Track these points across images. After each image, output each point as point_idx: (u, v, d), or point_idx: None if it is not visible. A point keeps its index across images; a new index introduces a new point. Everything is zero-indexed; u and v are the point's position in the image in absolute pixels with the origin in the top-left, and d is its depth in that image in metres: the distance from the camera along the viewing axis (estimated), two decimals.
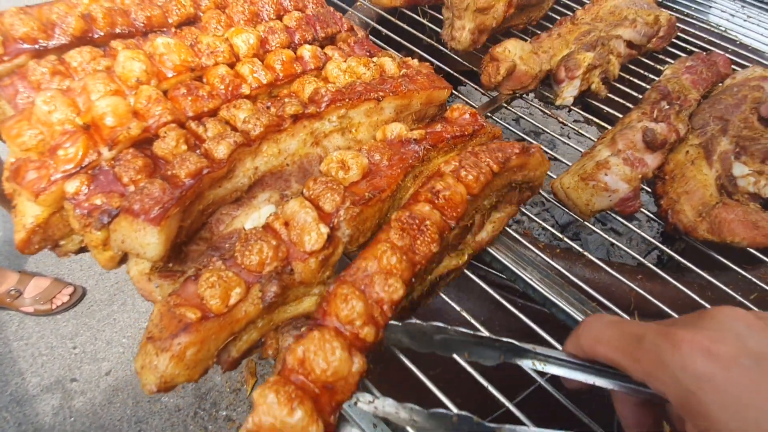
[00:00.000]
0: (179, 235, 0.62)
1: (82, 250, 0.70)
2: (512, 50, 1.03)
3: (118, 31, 0.84)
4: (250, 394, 2.14)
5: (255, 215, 0.68)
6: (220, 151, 0.64)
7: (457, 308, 0.78)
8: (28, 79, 0.73)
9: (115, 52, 0.80)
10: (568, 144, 1.08)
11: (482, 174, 0.72)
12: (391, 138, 0.78)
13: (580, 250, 0.91)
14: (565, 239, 0.94)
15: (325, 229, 0.61)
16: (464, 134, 0.81)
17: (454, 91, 0.98)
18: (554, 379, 0.68)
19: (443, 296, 0.79)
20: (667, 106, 0.96)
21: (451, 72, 1.26)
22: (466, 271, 0.82)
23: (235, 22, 0.92)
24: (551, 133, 1.11)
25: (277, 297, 0.57)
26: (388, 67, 0.88)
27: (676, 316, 0.82)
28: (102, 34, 0.82)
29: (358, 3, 1.43)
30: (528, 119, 1.09)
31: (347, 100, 0.75)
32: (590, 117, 1.12)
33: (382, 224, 0.73)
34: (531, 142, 1.00)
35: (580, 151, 0.99)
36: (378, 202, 0.68)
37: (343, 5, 1.43)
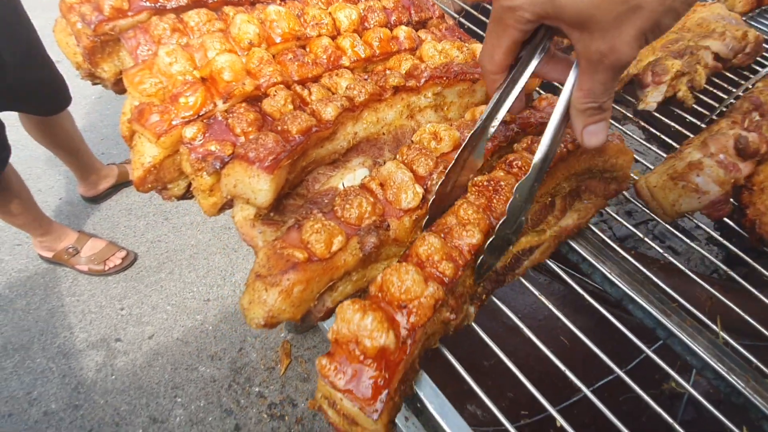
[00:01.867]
0: (284, 187, 0.65)
1: (185, 196, 0.74)
2: None
3: None
4: (284, 373, 2.19)
5: (350, 176, 0.71)
6: (328, 112, 0.67)
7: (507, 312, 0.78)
8: (150, 33, 0.78)
9: (226, 16, 0.85)
10: (651, 149, 1.06)
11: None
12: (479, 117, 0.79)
13: (660, 251, 0.90)
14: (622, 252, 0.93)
15: (420, 189, 0.63)
16: None
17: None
18: (600, 391, 0.68)
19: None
20: (758, 118, 0.94)
21: None
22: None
23: None
24: (632, 135, 1.10)
25: (375, 248, 0.59)
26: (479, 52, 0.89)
27: (755, 323, 0.79)
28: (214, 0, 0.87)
29: None
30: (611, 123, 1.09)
31: (445, 78, 0.77)
32: (672, 123, 1.10)
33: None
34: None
35: (663, 156, 0.97)
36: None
37: None
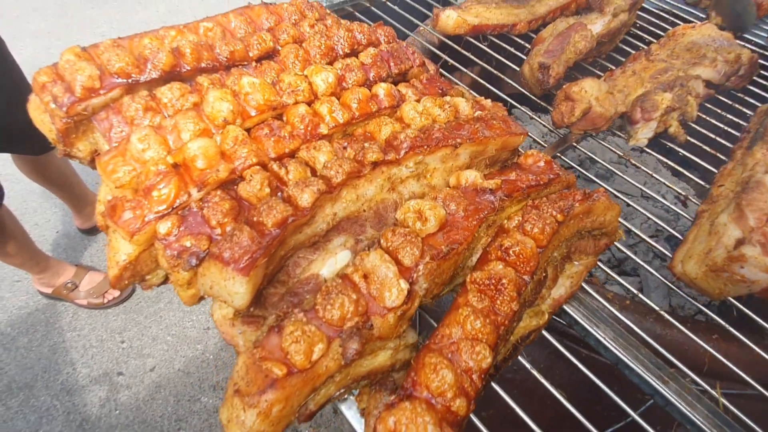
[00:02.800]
0: (262, 282, 0.63)
1: (164, 282, 0.73)
2: (589, 90, 1.00)
3: (203, 65, 0.86)
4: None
5: (331, 261, 0.69)
6: (305, 199, 0.65)
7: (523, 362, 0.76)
8: (123, 114, 0.76)
9: (200, 87, 0.83)
10: (646, 192, 1.04)
11: (547, 225, 0.71)
12: (466, 186, 0.77)
13: (651, 303, 0.88)
14: (621, 280, 0.92)
15: (405, 285, 0.61)
16: (539, 184, 0.80)
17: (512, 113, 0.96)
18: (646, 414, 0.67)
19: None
20: None
21: (503, 96, 1.24)
22: None
23: (312, 57, 0.93)
24: (624, 176, 1.08)
25: (357, 354, 0.57)
26: (462, 107, 0.87)
27: (753, 382, 0.78)
28: (189, 68, 0.85)
29: (420, 28, 1.42)
30: (600, 161, 1.06)
31: (426, 147, 0.75)
32: (666, 161, 1.08)
33: (456, 274, 0.73)
34: (600, 185, 0.97)
35: (660, 200, 0.95)
36: (455, 256, 0.67)
37: (405, 30, 1.43)
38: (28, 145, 2.05)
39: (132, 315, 2.45)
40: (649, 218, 0.99)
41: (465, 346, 0.59)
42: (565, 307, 0.81)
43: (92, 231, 2.70)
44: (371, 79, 0.91)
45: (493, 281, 0.65)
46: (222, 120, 0.75)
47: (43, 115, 0.84)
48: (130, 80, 0.81)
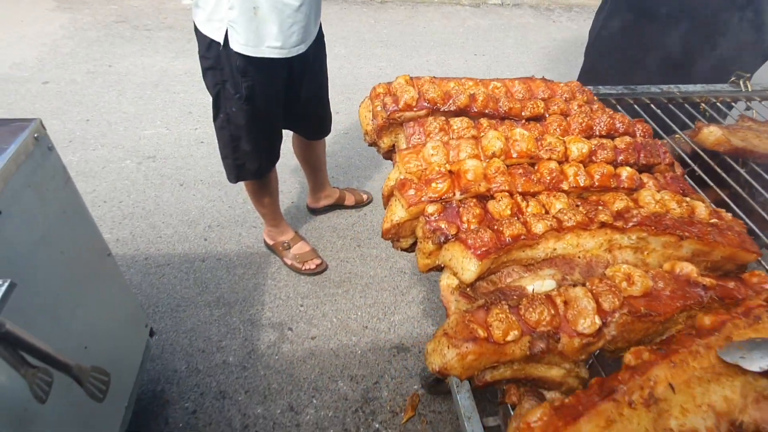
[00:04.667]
0: (484, 272, 0.81)
1: (408, 250, 0.97)
2: None
3: (486, 111, 1.12)
4: (405, 422, 2.30)
5: (538, 283, 0.84)
6: (538, 227, 0.82)
7: None
8: (424, 128, 1.05)
9: (480, 125, 1.08)
10: None
11: None
12: (679, 273, 0.83)
13: None
14: None
15: (599, 321, 0.72)
16: (759, 304, 0.81)
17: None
18: None
19: None
20: None
21: (748, 221, 1.19)
22: None
23: (572, 129, 1.11)
24: None
25: (541, 353, 0.70)
26: (699, 211, 0.94)
27: None
28: (476, 110, 1.11)
29: (676, 136, 1.47)
30: None
31: (653, 228, 0.85)
32: None
33: (641, 342, 0.79)
34: None
35: None
36: (649, 322, 0.75)
37: (661, 132, 1.50)
38: (309, 131, 2.71)
39: (316, 288, 2.91)
40: None
41: None
42: None
43: (315, 211, 3.32)
44: (618, 161, 1.04)
45: None
46: (491, 152, 0.98)
47: (367, 113, 1.20)
48: (434, 107, 1.11)
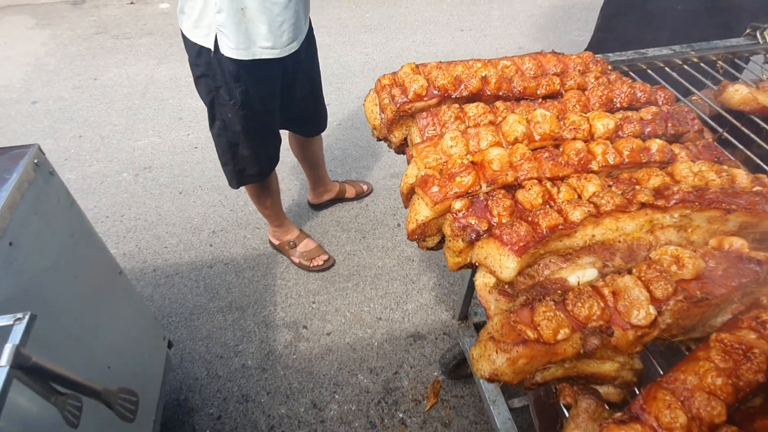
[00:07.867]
0: (524, 268, 0.77)
1: (434, 248, 0.93)
2: None
3: (500, 93, 1.06)
4: (428, 410, 2.29)
5: (579, 272, 0.79)
6: (576, 215, 0.77)
7: None
8: (439, 118, 1.00)
9: (496, 109, 1.03)
10: None
11: None
12: (729, 249, 0.79)
13: None
14: None
15: (654, 311, 0.68)
16: None
17: None
18: None
19: None
20: None
21: None
22: None
23: (591, 104, 1.06)
24: None
25: (595, 350, 0.66)
26: (741, 179, 0.89)
27: None
28: (489, 94, 1.06)
29: (695, 97, 1.40)
30: None
31: (697, 203, 0.80)
32: None
33: (694, 328, 0.75)
34: None
35: None
36: (706, 306, 0.71)
37: (678, 96, 1.43)
38: (305, 128, 2.63)
39: (326, 284, 2.87)
40: None
41: (700, 397, 0.62)
42: None
43: (317, 207, 3.26)
44: (646, 133, 0.99)
45: (743, 347, 0.66)
46: (513, 138, 0.92)
47: (374, 106, 1.14)
48: (445, 94, 1.05)
